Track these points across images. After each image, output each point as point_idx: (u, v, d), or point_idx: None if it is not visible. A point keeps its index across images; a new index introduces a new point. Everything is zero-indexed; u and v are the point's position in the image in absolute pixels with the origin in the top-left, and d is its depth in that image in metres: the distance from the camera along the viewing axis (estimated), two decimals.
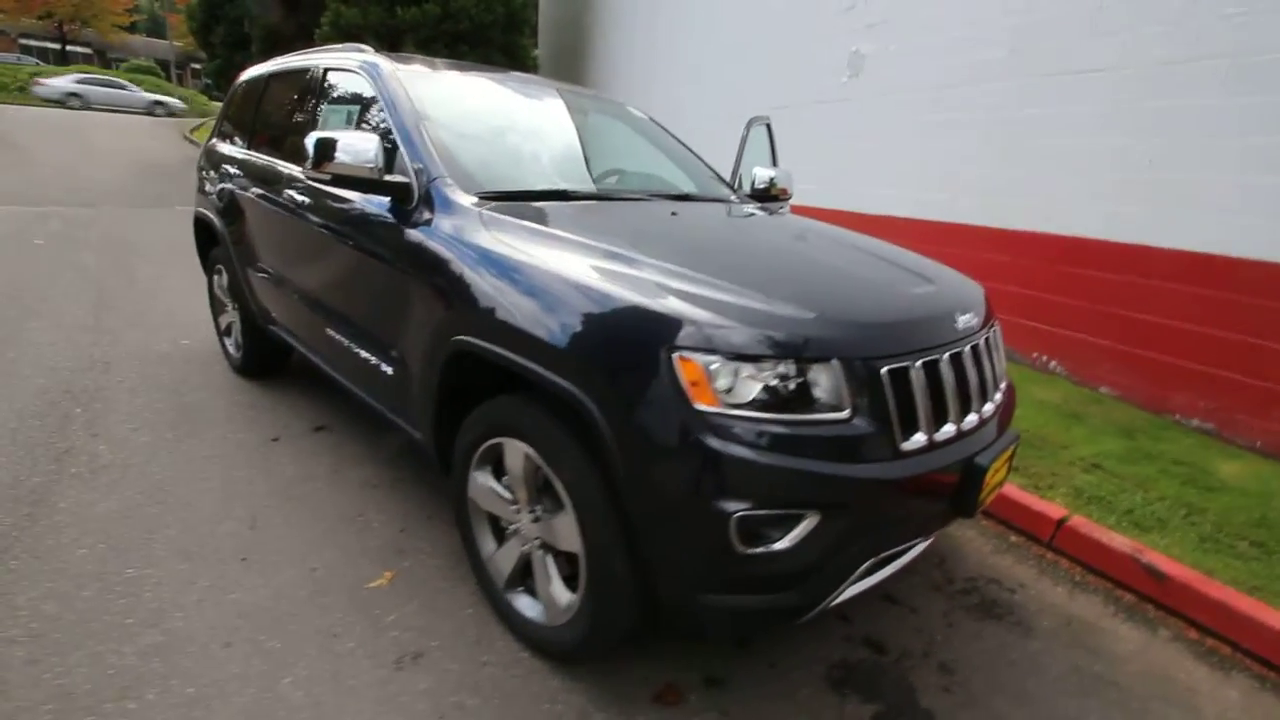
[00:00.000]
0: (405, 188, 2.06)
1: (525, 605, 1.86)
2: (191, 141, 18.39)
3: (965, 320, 1.73)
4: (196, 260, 4.01)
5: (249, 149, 3.19)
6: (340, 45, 2.84)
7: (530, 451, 1.68)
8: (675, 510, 1.41)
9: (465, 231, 1.86)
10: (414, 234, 1.99)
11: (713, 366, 1.37)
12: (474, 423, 1.86)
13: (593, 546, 1.56)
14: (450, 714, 1.64)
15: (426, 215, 1.99)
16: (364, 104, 2.43)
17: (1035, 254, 4.31)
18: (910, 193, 5.30)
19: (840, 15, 5.88)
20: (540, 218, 1.89)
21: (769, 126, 3.91)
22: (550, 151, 2.55)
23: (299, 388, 3.58)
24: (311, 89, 2.76)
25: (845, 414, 1.44)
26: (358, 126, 2.44)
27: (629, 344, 1.43)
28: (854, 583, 1.57)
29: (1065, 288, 4.18)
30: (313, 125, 2.69)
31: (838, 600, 1.56)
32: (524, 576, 1.88)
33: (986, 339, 1.82)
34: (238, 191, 3.15)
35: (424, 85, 2.37)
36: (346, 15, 10.74)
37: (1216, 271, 3.40)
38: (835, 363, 1.43)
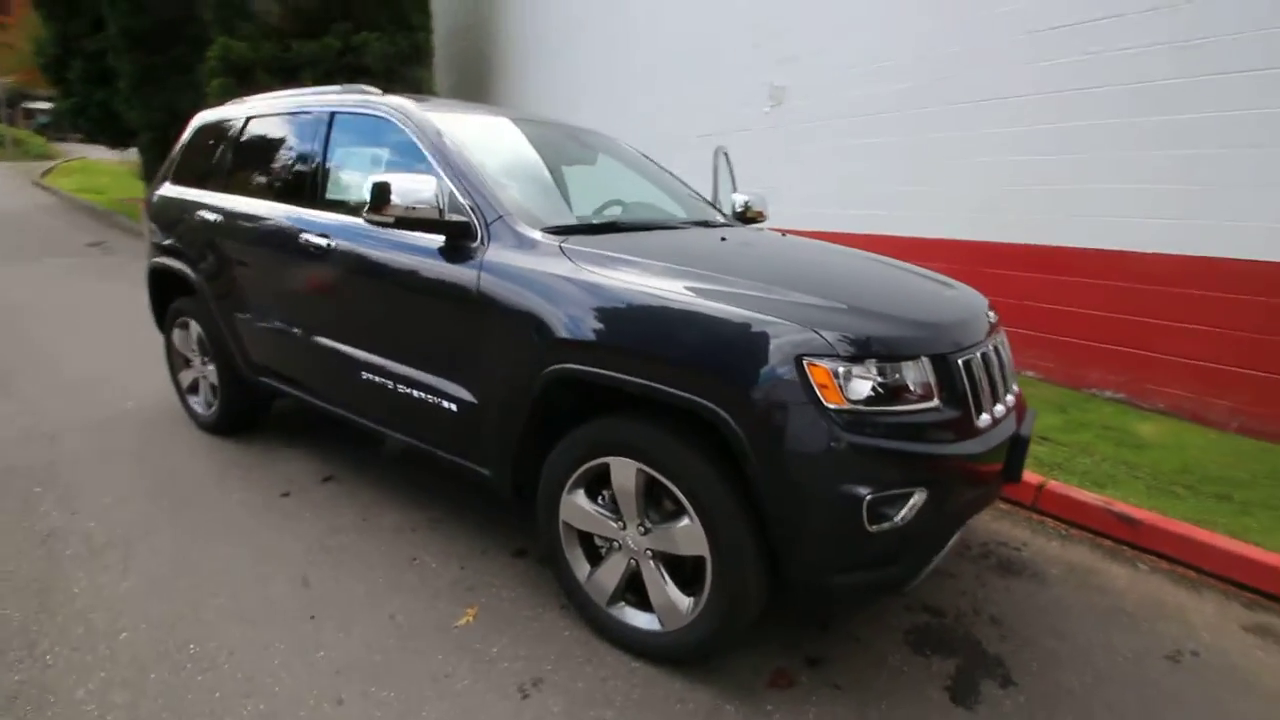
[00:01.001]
0: (465, 226, 2.12)
1: (633, 617, 1.94)
2: (44, 188, 16.47)
3: (991, 318, 2.04)
4: (95, 317, 3.72)
5: (228, 193, 3.05)
6: (340, 87, 2.82)
7: (643, 466, 1.78)
8: (814, 500, 1.58)
9: (549, 264, 1.95)
10: (482, 271, 2.04)
11: (839, 370, 1.57)
12: (570, 447, 1.93)
13: (722, 546, 1.69)
14: None
15: (496, 252, 2.05)
16: (394, 146, 2.44)
17: (955, 258, 4.88)
18: (832, 210, 5.81)
19: (755, 50, 6.38)
20: (617, 248, 2.01)
21: (727, 155, 4.20)
22: (578, 185, 2.67)
23: (281, 440, 3.40)
24: (314, 132, 2.71)
25: (935, 402, 1.68)
26: (388, 168, 2.45)
27: (762, 357, 1.58)
28: (944, 552, 1.80)
29: (986, 287, 4.74)
30: (323, 169, 2.64)
31: (929, 570, 1.78)
32: (626, 590, 1.97)
33: (1002, 334, 2.15)
34: (221, 239, 2.99)
35: (455, 126, 2.42)
36: (236, 50, 10.16)
37: (1113, 265, 4.05)
38: (924, 360, 1.67)
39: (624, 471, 1.83)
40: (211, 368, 3.30)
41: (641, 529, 1.86)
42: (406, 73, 11.35)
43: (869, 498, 1.57)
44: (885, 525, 1.61)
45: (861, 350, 1.60)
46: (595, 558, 2.03)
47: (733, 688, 1.84)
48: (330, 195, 2.62)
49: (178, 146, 3.57)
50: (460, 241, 2.13)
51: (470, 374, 2.13)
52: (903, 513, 1.63)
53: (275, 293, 2.80)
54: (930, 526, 1.71)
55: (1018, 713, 1.80)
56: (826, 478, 1.56)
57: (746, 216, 3.38)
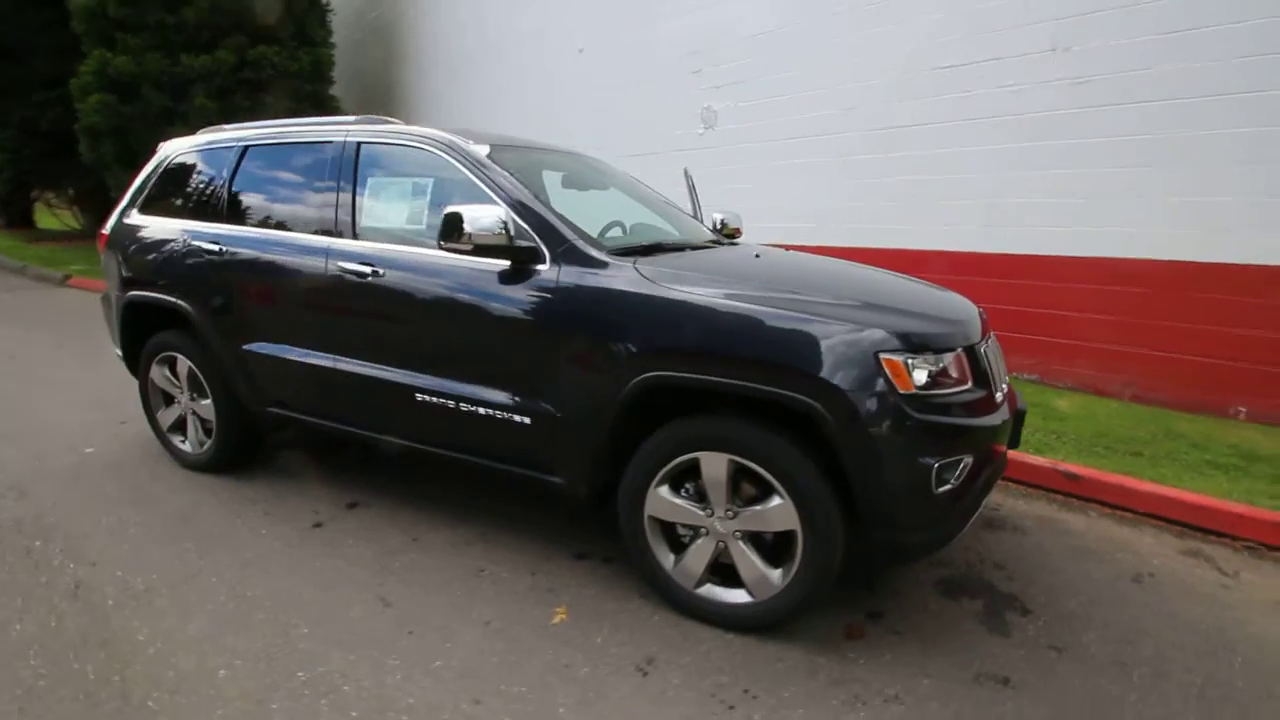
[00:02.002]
0: (533, 250, 2.27)
1: (722, 594, 2.17)
2: None
3: (983, 315, 2.47)
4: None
5: (231, 224, 2.97)
6: (356, 118, 2.84)
7: (734, 457, 2.02)
8: (897, 470, 1.89)
9: (628, 283, 2.14)
10: (561, 292, 2.21)
11: (907, 361, 1.89)
12: (657, 447, 2.14)
13: (813, 519, 1.96)
14: (718, 692, 1.90)
15: (571, 274, 2.22)
16: (439, 177, 2.54)
17: (879, 265, 5.49)
18: (764, 223, 6.29)
19: (694, 75, 6.80)
20: (681, 267, 2.24)
21: (690, 175, 4.52)
22: (610, 210, 2.87)
23: (281, 474, 3.33)
24: (338, 163, 2.72)
25: (969, 385, 2.05)
26: (434, 199, 2.55)
27: (847, 356, 1.88)
28: (978, 513, 2.17)
29: None
30: (355, 200, 2.67)
31: (968, 528, 2.15)
32: (713, 572, 2.19)
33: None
34: (227, 270, 2.91)
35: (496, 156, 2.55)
36: (116, 63, 9.32)
37: (1021, 267, 4.75)
38: (960, 350, 2.04)
39: (715, 463, 2.06)
40: (206, 403, 3.18)
41: (729, 514, 2.10)
42: (309, 89, 10.90)
43: (936, 465, 1.90)
44: (944, 488, 1.94)
45: (919, 344, 1.94)
46: (678, 546, 2.25)
47: (817, 644, 2.12)
48: (367, 225, 2.66)
49: (145, 176, 3.40)
50: (527, 265, 2.28)
51: (547, 388, 2.27)
52: (956, 476, 1.98)
53: (300, 323, 2.78)
54: (971, 488, 2.08)
55: (1041, 634, 2.20)
56: (905, 451, 1.88)
57: (725, 233, 3.70)
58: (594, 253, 2.25)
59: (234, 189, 3.04)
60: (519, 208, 2.34)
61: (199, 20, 9.76)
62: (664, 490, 2.18)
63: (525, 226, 2.30)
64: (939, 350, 1.97)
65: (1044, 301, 4.71)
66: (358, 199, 2.69)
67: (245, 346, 2.92)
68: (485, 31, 9.60)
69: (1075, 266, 4.58)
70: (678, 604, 2.24)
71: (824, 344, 1.91)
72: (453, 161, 2.50)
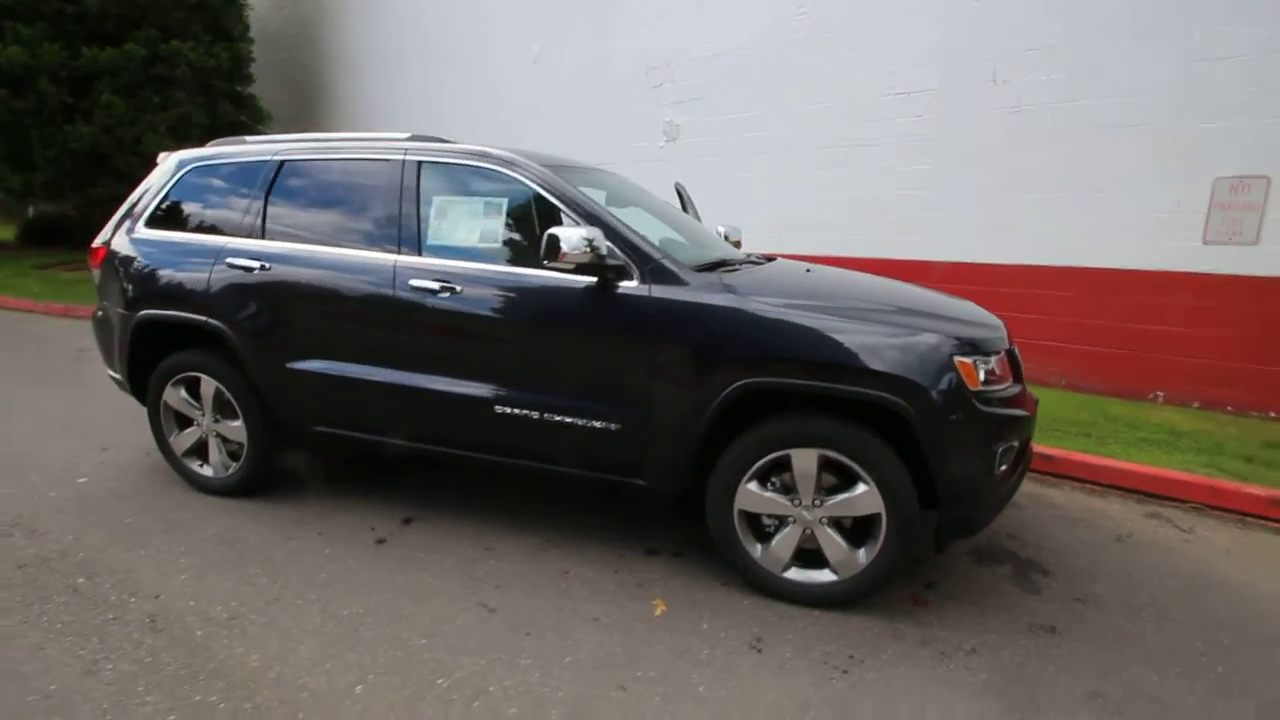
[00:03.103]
0: (621, 268, 2.43)
1: (808, 576, 2.41)
2: None
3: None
4: None
5: (270, 240, 2.91)
6: (410, 135, 2.87)
7: (825, 451, 2.27)
8: (971, 456, 2.21)
9: (718, 298, 2.35)
10: (653, 306, 2.38)
11: (976, 362, 2.21)
12: (748, 446, 2.35)
13: (897, 503, 2.24)
14: (829, 660, 2.14)
15: (662, 289, 2.39)
16: (512, 197, 2.64)
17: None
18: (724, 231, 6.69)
19: (656, 90, 7.06)
20: (755, 282, 2.47)
21: (683, 189, 4.76)
22: (663, 227, 3.05)
23: (314, 493, 3.27)
24: (397, 181, 2.74)
25: (1010, 381, 2.41)
26: (509, 218, 2.64)
27: (931, 359, 2.17)
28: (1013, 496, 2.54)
29: None
30: (420, 218, 2.71)
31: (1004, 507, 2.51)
32: (797, 557, 2.43)
33: None
34: (270, 288, 2.85)
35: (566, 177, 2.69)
36: (8, 54, 8.38)
37: (961, 272, 5.34)
38: (1003, 353, 2.39)
39: (806, 458, 2.30)
40: (235, 424, 3.07)
41: (816, 503, 2.35)
42: (226, 87, 10.24)
43: (999, 450, 2.24)
44: (1001, 469, 2.29)
45: (979, 348, 2.27)
46: (763, 536, 2.47)
47: (891, 613, 2.40)
48: (434, 243, 2.70)
49: (152, 189, 3.23)
50: (615, 282, 2.44)
51: (638, 396, 2.43)
52: (1009, 459, 2.33)
53: (363, 340, 2.77)
54: (1015, 471, 2.44)
55: (1063, 589, 2.60)
56: (975, 439, 2.21)
57: (731, 244, 3.96)
58: (678, 270, 2.44)
59: (271, 204, 2.96)
60: (606, 228, 2.48)
61: (102, 9, 8.96)
62: (753, 485, 2.40)
63: (613, 246, 2.45)
64: (991, 352, 2.32)
65: (983, 304, 5.30)
66: (423, 217, 2.73)
67: (293, 365, 2.87)
68: (426, 32, 9.43)
69: (1012, 273, 5.21)
70: (765, 588, 2.46)
71: (908, 350, 2.20)
72: (528, 183, 2.61)
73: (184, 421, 3.23)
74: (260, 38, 11.34)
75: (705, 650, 2.18)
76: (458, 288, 2.59)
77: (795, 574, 2.43)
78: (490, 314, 2.58)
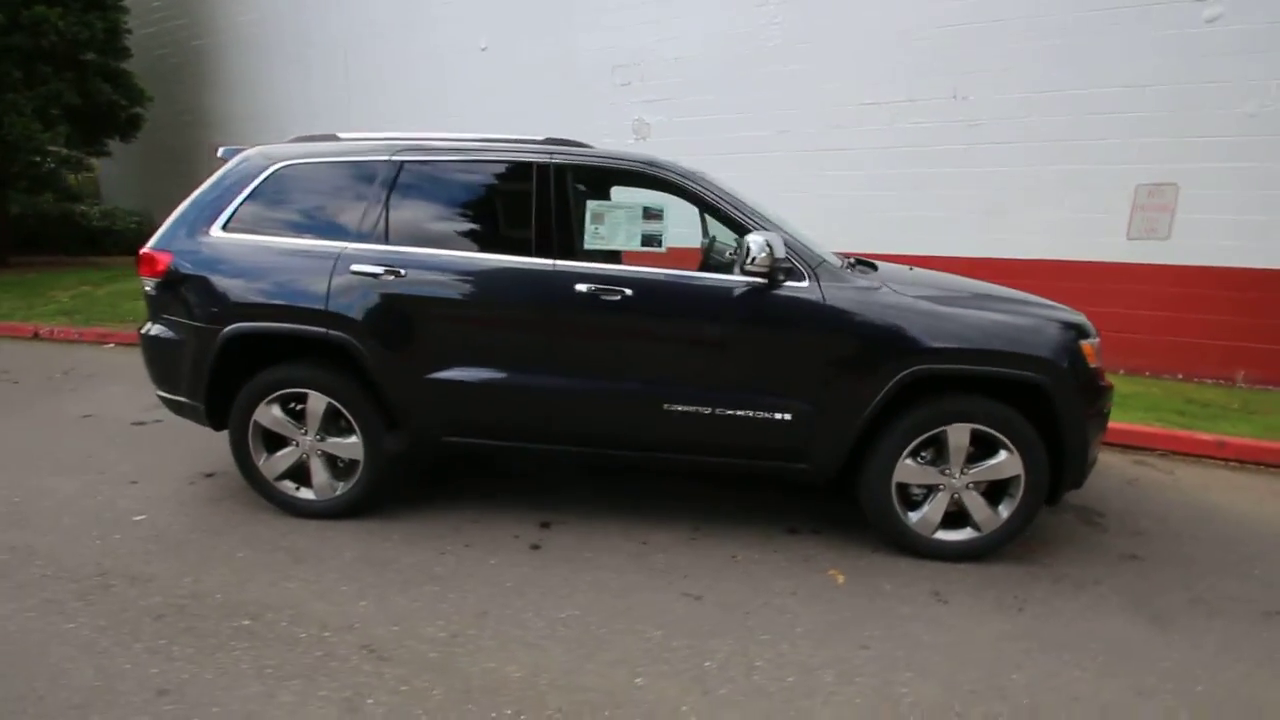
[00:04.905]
0: (791, 269, 2.65)
1: (954, 535, 2.77)
2: None
3: None
4: None
5: (399, 245, 2.77)
6: (545, 138, 2.86)
7: (976, 426, 2.64)
8: (1092, 424, 2.67)
9: (881, 296, 2.64)
10: (827, 304, 2.62)
11: (1094, 344, 2.68)
12: (911, 425, 2.66)
13: (1034, 466, 2.66)
14: (1002, 601, 2.51)
15: (831, 289, 2.64)
16: (665, 199, 2.76)
17: None
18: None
19: (624, 88, 7.17)
20: (900, 280, 2.79)
21: None
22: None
23: (424, 506, 3.18)
24: (544, 185, 2.74)
25: (1099, 363, 2.92)
26: (670, 224, 2.75)
27: (1065, 344, 2.61)
28: None
29: None
30: (571, 222, 2.74)
31: None
32: (948, 519, 2.79)
33: None
34: (409, 295, 2.73)
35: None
36: None
37: (931, 266, 6.05)
38: (1096, 337, 2.90)
39: (960, 432, 2.66)
40: (351, 440, 2.90)
41: (963, 472, 2.72)
42: (102, 63, 8.87)
43: (1102, 416, 2.74)
44: (1102, 434, 2.80)
45: (1087, 332, 2.75)
46: (912, 504, 2.80)
47: (1016, 559, 2.84)
48: (594, 247, 2.75)
49: (226, 188, 2.93)
50: (784, 282, 2.65)
51: (809, 386, 2.67)
52: (1104, 424, 2.84)
53: (519, 347, 2.75)
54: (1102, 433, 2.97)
55: (1120, 524, 3.18)
56: (1096, 408, 2.69)
57: None
58: (841, 269, 2.70)
59: (394, 208, 2.82)
60: (779, 231, 2.68)
61: None
62: (909, 460, 2.72)
63: (785, 249, 2.65)
64: (1094, 335, 2.81)
65: None
66: (577, 221, 2.76)
67: (434, 375, 2.77)
68: (374, 15, 8.80)
69: (972, 264, 5.98)
70: (917, 550, 2.80)
71: (1047, 336, 2.63)
72: (697, 189, 2.76)
73: (276, 442, 2.98)
74: (137, 8, 9.94)
75: (904, 607, 2.48)
76: (627, 291, 2.67)
77: (942, 534, 2.79)
78: (662, 316, 2.69)
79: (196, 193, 3.01)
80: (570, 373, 2.75)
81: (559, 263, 2.72)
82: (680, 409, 2.72)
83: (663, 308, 2.69)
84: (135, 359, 3.39)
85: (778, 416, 2.70)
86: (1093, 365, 2.69)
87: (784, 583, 2.62)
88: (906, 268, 3.37)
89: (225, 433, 3.02)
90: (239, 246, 2.87)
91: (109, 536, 2.84)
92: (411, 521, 3.02)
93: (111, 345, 6.66)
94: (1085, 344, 2.68)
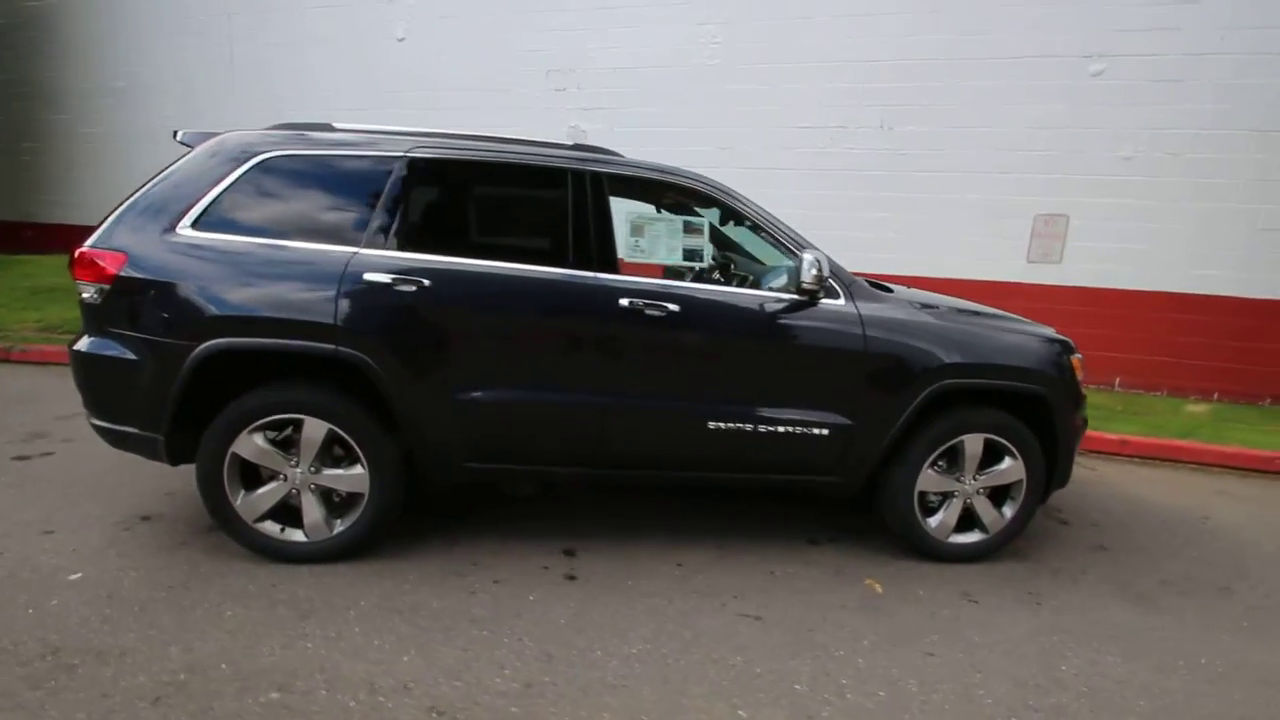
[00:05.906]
0: (830, 288, 2.71)
1: (965, 538, 2.95)
2: None
3: None
4: None
5: (412, 252, 2.49)
6: (574, 145, 2.70)
7: (989, 435, 2.84)
8: (1078, 430, 2.96)
9: (909, 313, 2.80)
10: (864, 322, 2.70)
11: (1079, 359, 2.98)
12: (933, 436, 2.81)
13: (1034, 471, 2.90)
14: (1021, 597, 2.71)
15: (866, 306, 2.73)
16: (714, 216, 2.70)
17: None
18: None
19: (558, 94, 7.01)
20: (913, 298, 2.95)
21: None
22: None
23: (432, 543, 2.90)
24: (578, 194, 2.58)
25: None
26: (709, 240, 2.71)
27: (1060, 358, 2.88)
28: None
29: None
30: (607, 234, 2.61)
31: None
32: (960, 521, 2.96)
33: None
34: (435, 308, 2.46)
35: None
36: None
37: None
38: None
39: (975, 442, 2.85)
40: (353, 472, 2.56)
41: (974, 478, 2.91)
42: None
43: (1084, 423, 3.05)
44: (1080, 438, 3.12)
45: (1073, 349, 3.06)
46: (930, 510, 2.95)
47: (1012, 556, 3.08)
48: (634, 259, 2.63)
49: (205, 183, 2.48)
50: (821, 300, 2.71)
51: (847, 401, 2.73)
52: (1083, 431, 3.17)
53: (561, 363, 2.58)
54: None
55: (1078, 518, 3.55)
56: (1081, 415, 2.98)
57: None
58: (870, 287, 2.81)
59: (410, 211, 2.53)
60: (815, 250, 2.72)
61: None
62: (929, 469, 2.87)
63: (833, 271, 2.71)
64: (1077, 352, 3.12)
65: None
66: (612, 234, 2.64)
67: (464, 395, 2.52)
68: (311, 26, 7.87)
69: (906, 284, 6.46)
70: (934, 554, 2.95)
71: (1047, 352, 2.90)
72: (737, 204, 2.75)
73: (258, 478, 2.56)
74: None
75: (944, 610, 2.60)
76: (673, 307, 2.59)
77: (955, 538, 2.97)
78: (708, 332, 2.64)
79: (151, 183, 2.54)
80: (613, 391, 2.62)
81: (601, 275, 2.59)
82: (724, 426, 2.68)
83: (709, 323, 2.65)
84: None
85: (816, 431, 2.74)
86: (1080, 377, 2.99)
87: (829, 596, 2.65)
88: (909, 289, 3.57)
89: (157, 465, 2.59)
90: (216, 248, 2.44)
91: (43, 604, 2.29)
92: (421, 558, 2.72)
93: None
94: (1074, 359, 2.98)
